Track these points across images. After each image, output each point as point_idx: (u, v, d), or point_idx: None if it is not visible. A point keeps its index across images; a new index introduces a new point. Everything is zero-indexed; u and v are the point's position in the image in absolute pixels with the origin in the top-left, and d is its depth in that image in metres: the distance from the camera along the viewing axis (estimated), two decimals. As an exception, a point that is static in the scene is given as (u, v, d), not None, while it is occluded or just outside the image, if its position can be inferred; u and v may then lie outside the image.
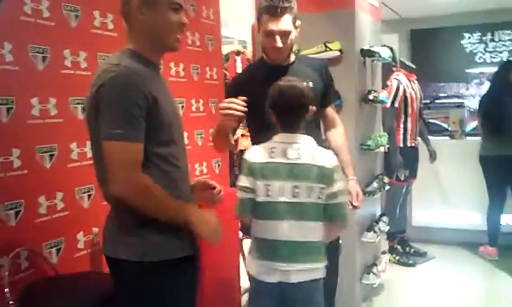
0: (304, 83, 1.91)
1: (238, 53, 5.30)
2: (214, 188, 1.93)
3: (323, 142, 2.34)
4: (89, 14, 2.42)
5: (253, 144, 2.14)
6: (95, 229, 2.40)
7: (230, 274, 2.05)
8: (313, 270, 1.86)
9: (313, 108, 1.89)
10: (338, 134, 2.48)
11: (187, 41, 3.26)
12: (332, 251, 2.46)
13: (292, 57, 2.32)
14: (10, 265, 1.96)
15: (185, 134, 3.24)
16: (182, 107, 3.21)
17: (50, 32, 2.20)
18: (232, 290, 2.00)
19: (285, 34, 2.15)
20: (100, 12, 2.46)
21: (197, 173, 3.36)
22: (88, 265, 2.38)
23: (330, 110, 2.47)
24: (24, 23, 2.08)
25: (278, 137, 1.89)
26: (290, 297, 1.85)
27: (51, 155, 2.19)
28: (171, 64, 3.10)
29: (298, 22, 2.22)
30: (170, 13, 1.62)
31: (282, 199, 1.83)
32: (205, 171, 3.42)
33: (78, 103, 2.31)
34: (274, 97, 1.89)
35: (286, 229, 1.83)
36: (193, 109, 3.32)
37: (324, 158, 1.85)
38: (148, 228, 1.54)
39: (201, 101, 3.38)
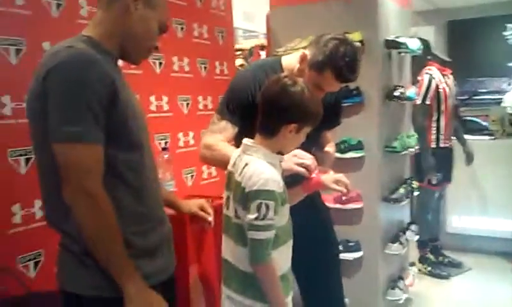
0: (303, 86, 1.56)
1: (262, 47, 5.04)
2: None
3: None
4: (75, 2, 2.20)
5: None
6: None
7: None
8: (234, 301, 1.57)
9: (293, 125, 1.53)
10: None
11: (193, 33, 3.01)
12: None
13: None
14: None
15: (191, 134, 3.05)
16: (187, 104, 2.96)
17: (26, 22, 1.98)
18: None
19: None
20: (87, 0, 2.24)
21: (205, 175, 3.11)
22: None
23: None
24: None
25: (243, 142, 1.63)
26: None
27: (27, 159, 1.98)
28: (174, 59, 2.85)
29: None
30: (156, 27, 1.45)
31: (224, 210, 1.63)
32: (214, 173, 3.16)
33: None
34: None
35: (224, 244, 1.63)
36: (200, 107, 3.06)
37: (250, 179, 1.48)
38: None
39: (209, 98, 3.12)
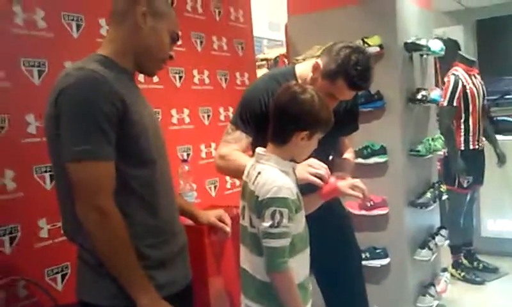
0: (313, 93, 1.56)
1: (287, 56, 5.07)
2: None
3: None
4: (94, 22, 2.27)
5: None
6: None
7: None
8: None
9: (304, 132, 1.53)
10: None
11: (212, 46, 3.05)
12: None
13: None
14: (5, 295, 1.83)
15: (213, 145, 3.08)
16: (208, 116, 3.00)
17: (48, 44, 2.07)
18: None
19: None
20: (106, 19, 2.31)
21: (228, 185, 3.14)
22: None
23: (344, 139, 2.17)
24: (15, 36, 1.96)
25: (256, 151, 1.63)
26: None
27: (52, 175, 2.04)
28: (194, 72, 2.90)
29: None
30: (168, 37, 1.48)
31: (241, 220, 1.63)
32: (238, 183, 3.18)
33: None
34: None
35: (242, 254, 1.63)
36: (221, 118, 3.10)
37: (262, 187, 1.49)
38: None
39: (230, 109, 3.15)
